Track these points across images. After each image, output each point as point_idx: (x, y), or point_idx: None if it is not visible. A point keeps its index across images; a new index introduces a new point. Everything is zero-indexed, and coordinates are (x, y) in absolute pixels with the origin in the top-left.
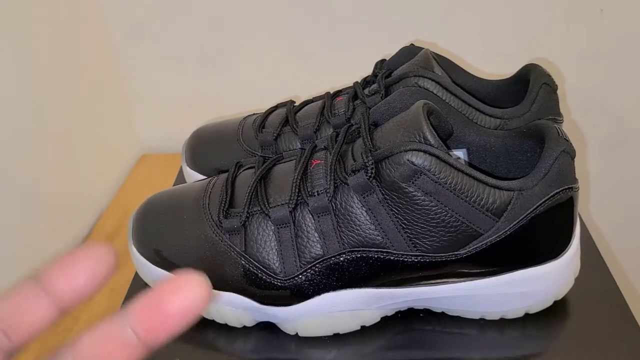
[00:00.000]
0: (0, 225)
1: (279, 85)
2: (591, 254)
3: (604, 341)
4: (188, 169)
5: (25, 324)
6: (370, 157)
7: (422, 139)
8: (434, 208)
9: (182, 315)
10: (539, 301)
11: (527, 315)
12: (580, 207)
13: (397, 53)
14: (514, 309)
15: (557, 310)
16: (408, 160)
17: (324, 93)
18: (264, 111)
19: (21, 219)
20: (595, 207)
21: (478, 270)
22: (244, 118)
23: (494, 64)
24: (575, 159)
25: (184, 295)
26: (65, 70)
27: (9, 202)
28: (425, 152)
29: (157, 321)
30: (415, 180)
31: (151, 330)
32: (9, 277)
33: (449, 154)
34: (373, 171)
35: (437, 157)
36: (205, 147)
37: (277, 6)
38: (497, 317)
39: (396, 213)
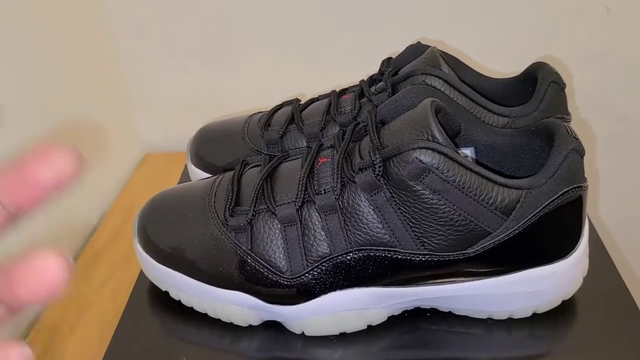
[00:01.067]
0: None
1: (284, 83)
2: (599, 253)
3: (612, 341)
4: (193, 167)
5: None
6: (378, 155)
7: (430, 137)
8: (442, 206)
9: (48, 185)
10: (546, 301)
11: (534, 315)
12: (589, 207)
13: (403, 51)
14: (522, 309)
15: (565, 310)
16: (416, 158)
17: (329, 91)
18: (269, 109)
19: (24, 219)
20: (603, 207)
21: (486, 270)
22: (250, 116)
23: (500, 63)
24: (585, 157)
25: (51, 165)
26: (68, 69)
27: None
28: (433, 150)
29: (22, 190)
30: (424, 178)
31: (16, 199)
32: None
33: (457, 152)
34: (381, 169)
35: (446, 155)
36: (210, 146)
37: (283, 4)
38: (504, 317)
39: (404, 211)
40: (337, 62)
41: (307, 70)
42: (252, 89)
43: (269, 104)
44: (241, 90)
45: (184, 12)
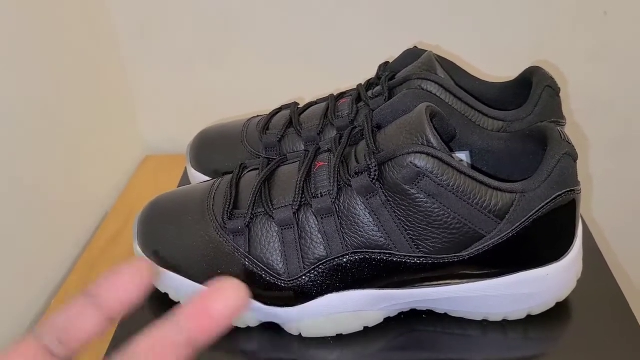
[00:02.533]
0: (6, 226)
1: (284, 86)
2: (594, 256)
3: (606, 343)
4: (192, 170)
5: (79, 333)
6: (374, 159)
7: (425, 142)
8: (436, 210)
9: (225, 317)
10: (541, 303)
11: (529, 316)
12: (583, 210)
13: (400, 55)
14: (517, 311)
15: (559, 312)
16: (411, 162)
17: (328, 95)
18: (268, 113)
19: (26, 219)
20: (598, 210)
21: (480, 272)
22: (248, 120)
23: (497, 67)
24: (578, 161)
25: (226, 300)
26: (69, 71)
27: (14, 203)
28: (427, 154)
29: (204, 322)
30: (418, 182)
31: (199, 331)
32: (15, 276)
33: (451, 157)
34: (376, 173)
35: (440, 160)
36: (209, 149)
37: (282, 8)
38: (499, 319)
39: (399, 215)
40: (335, 65)
41: (306, 73)
42: (252, 91)
43: (269, 107)
44: (242, 92)
45: (184, 15)
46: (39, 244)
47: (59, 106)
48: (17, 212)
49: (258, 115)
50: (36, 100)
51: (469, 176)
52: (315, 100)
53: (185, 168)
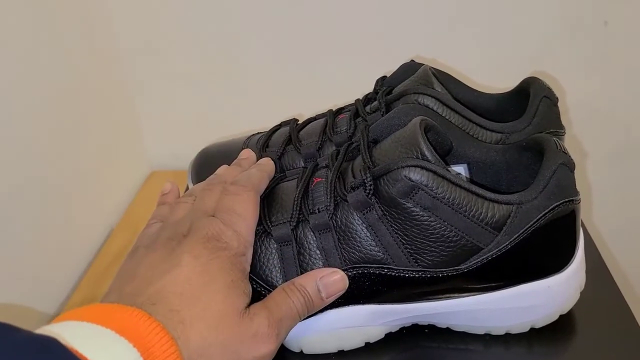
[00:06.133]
0: (13, 242)
1: (286, 102)
2: (597, 267)
3: (611, 356)
4: None
5: None
6: (369, 174)
7: (420, 155)
8: (432, 223)
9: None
10: (543, 316)
11: (532, 330)
12: (587, 220)
13: (397, 70)
14: (519, 324)
15: (563, 325)
16: (405, 176)
17: (327, 110)
18: (268, 130)
19: (32, 235)
20: (601, 220)
21: (480, 285)
22: (248, 137)
23: (496, 78)
24: (579, 171)
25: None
26: (75, 87)
27: (21, 219)
28: (422, 167)
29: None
30: (413, 196)
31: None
32: (20, 292)
33: (446, 169)
34: (371, 188)
35: (434, 173)
36: (210, 167)
37: (282, 26)
38: (502, 332)
39: (396, 229)
40: (336, 81)
41: (308, 89)
42: (255, 108)
43: (272, 122)
44: (246, 109)
45: (187, 34)
46: (46, 260)
47: (66, 124)
48: (23, 228)
49: (258, 133)
50: (42, 118)
51: (464, 188)
52: (314, 116)
53: (187, 186)
